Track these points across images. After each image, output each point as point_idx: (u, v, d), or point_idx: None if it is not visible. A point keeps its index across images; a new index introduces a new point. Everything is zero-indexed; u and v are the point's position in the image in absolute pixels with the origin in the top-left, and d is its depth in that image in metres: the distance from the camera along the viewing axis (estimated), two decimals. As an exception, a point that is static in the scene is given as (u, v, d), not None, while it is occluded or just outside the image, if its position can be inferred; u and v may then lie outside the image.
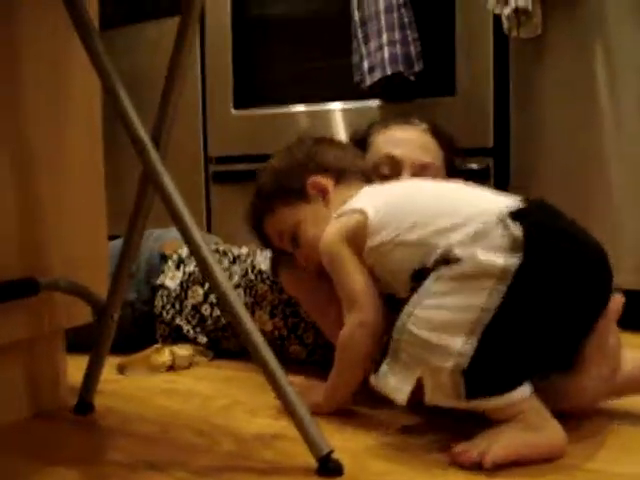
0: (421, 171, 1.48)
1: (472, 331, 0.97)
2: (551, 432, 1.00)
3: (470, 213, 1.06)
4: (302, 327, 1.52)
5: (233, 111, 2.47)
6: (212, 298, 1.62)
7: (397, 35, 2.00)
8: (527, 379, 1.00)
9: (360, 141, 1.57)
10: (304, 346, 1.54)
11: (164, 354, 1.52)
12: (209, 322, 1.62)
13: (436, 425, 1.14)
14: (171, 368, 1.52)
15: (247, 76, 2.46)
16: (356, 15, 2.11)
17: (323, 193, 1.30)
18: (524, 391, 0.99)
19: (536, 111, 1.89)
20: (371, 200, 1.22)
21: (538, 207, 1.07)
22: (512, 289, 0.97)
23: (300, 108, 2.34)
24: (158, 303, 1.67)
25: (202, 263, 1.01)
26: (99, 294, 1.23)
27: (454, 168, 1.56)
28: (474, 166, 1.95)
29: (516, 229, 0.99)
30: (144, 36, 2.66)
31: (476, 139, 1.97)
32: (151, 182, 1.08)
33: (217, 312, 1.61)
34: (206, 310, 1.63)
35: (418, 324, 1.01)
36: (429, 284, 1.03)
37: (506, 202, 1.07)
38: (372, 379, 1.07)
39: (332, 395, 1.20)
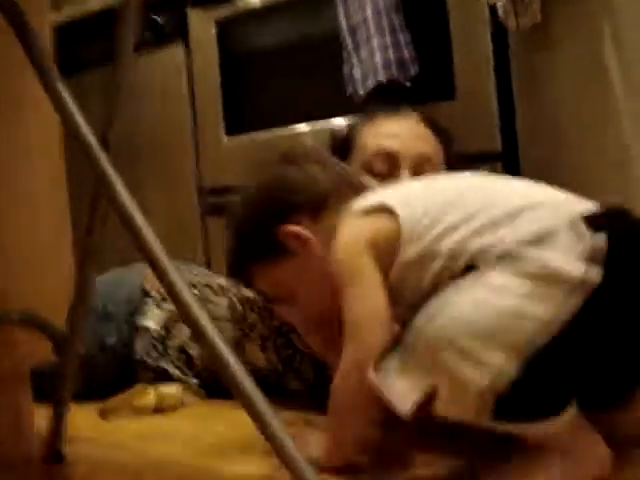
0: (422, 165, 1.32)
1: (521, 347, 0.79)
2: (594, 461, 0.83)
3: (524, 206, 0.88)
4: (298, 359, 1.37)
5: (225, 138, 2.36)
6: None
7: (389, 39, 1.89)
8: (575, 397, 0.83)
9: (342, 145, 1.42)
10: (302, 380, 1.38)
11: (149, 395, 1.38)
12: (198, 362, 1.47)
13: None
14: (158, 410, 1.38)
15: (237, 102, 2.37)
16: (344, 25, 2.00)
17: (301, 243, 1.03)
18: (568, 414, 0.81)
19: (544, 107, 1.75)
20: (395, 194, 0.99)
21: (618, 214, 0.90)
22: (590, 305, 0.79)
23: (297, 128, 2.23)
24: (139, 347, 1.52)
25: (169, 289, 0.86)
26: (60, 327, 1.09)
27: (453, 166, 1.41)
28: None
29: (598, 238, 0.82)
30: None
31: (482, 143, 1.82)
32: (103, 191, 0.95)
33: None
34: (194, 349, 1.48)
35: (454, 324, 0.81)
36: (476, 277, 0.84)
37: (574, 202, 0.90)
38: (371, 375, 0.86)
39: (335, 452, 0.96)
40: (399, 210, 0.94)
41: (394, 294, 0.93)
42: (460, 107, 1.86)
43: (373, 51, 1.89)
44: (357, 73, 1.92)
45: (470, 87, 1.85)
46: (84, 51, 2.69)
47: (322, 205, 1.04)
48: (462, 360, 0.80)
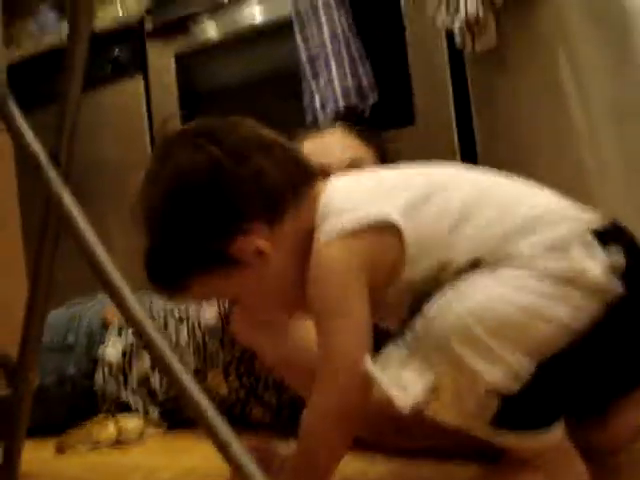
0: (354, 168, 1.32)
1: (538, 349, 0.75)
2: (573, 477, 0.80)
3: (532, 216, 0.81)
4: (261, 386, 1.34)
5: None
6: None
7: (347, 68, 1.90)
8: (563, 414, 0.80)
9: None
10: (267, 408, 1.35)
11: (109, 427, 1.33)
12: (160, 392, 1.43)
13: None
14: (118, 442, 1.33)
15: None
16: (303, 55, 2.00)
17: (257, 256, 0.85)
18: (559, 428, 0.78)
19: (503, 130, 1.76)
20: (389, 201, 0.83)
21: (623, 229, 0.83)
22: (610, 317, 0.76)
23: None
24: (99, 378, 1.48)
25: (130, 319, 0.83)
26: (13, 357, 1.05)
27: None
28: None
29: (614, 253, 0.77)
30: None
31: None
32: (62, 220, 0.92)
33: None
34: (155, 379, 1.44)
35: (471, 314, 0.74)
36: (490, 272, 0.77)
37: (577, 212, 0.83)
38: (368, 365, 0.77)
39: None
40: (402, 223, 0.81)
41: (391, 301, 0.85)
42: (420, 132, 1.87)
43: (332, 79, 1.89)
44: (316, 101, 1.92)
45: (429, 112, 1.86)
46: (37, 89, 2.67)
47: (278, 205, 0.85)
48: (475, 352, 0.73)
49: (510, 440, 0.77)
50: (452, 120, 1.82)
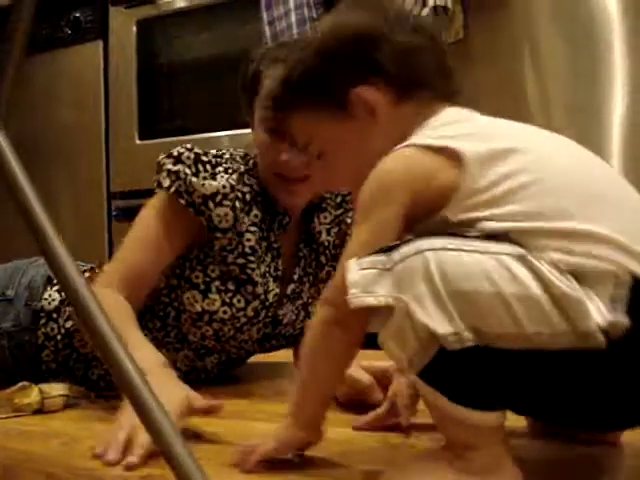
0: None
1: (493, 336, 0.72)
2: None
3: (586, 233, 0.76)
4: None
5: (138, 142, 2.29)
6: None
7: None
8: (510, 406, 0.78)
9: (249, 87, 1.36)
10: None
11: (31, 394, 1.27)
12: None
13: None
14: (40, 411, 1.28)
15: (152, 106, 2.30)
16: (267, 31, 1.99)
17: (370, 112, 0.89)
18: (492, 420, 0.76)
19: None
20: (473, 143, 0.81)
21: None
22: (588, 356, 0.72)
23: (213, 136, 2.17)
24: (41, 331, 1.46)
25: (65, 284, 0.77)
26: None
27: None
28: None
29: (621, 312, 0.72)
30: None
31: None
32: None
33: None
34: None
35: (453, 271, 0.73)
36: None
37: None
38: (351, 264, 0.78)
39: (296, 418, 0.88)
40: (471, 163, 0.79)
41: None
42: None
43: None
44: (277, 79, 1.89)
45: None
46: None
47: (413, 86, 0.89)
48: (437, 300, 0.73)
49: (430, 397, 0.76)
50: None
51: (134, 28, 2.32)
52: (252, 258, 1.36)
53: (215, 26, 2.23)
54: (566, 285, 0.71)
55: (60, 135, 2.44)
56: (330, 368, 0.86)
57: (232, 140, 2.13)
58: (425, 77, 0.90)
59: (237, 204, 1.32)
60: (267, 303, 1.40)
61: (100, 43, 2.38)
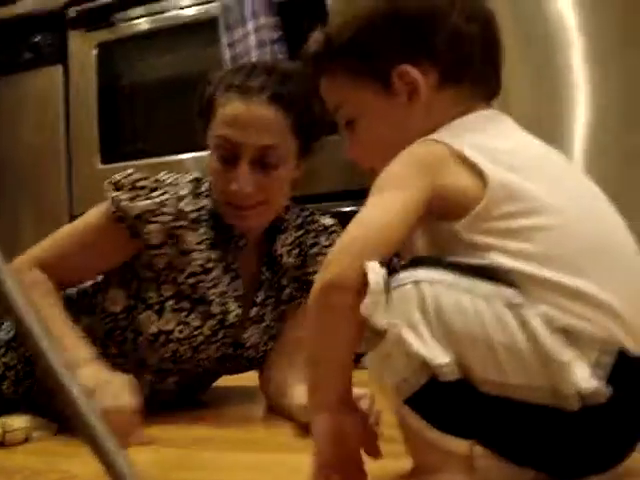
0: (265, 156, 1.29)
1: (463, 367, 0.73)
2: None
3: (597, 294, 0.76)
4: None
5: (100, 166, 2.26)
6: None
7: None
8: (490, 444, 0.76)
9: (204, 110, 1.35)
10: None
11: (-8, 427, 1.25)
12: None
13: None
14: (2, 444, 1.25)
15: (114, 129, 2.28)
16: (227, 53, 1.98)
17: (411, 92, 0.87)
18: (468, 446, 0.75)
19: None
20: (500, 169, 0.80)
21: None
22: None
23: (175, 158, 2.16)
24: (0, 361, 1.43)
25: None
26: None
27: (308, 153, 1.37)
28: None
29: (602, 382, 0.73)
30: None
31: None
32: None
33: None
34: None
35: (439, 302, 0.73)
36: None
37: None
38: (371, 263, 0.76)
39: (311, 402, 0.83)
40: (489, 172, 0.78)
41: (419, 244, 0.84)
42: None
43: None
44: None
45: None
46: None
47: (460, 72, 0.87)
48: (431, 330, 0.73)
49: (412, 421, 0.76)
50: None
51: (94, 51, 2.30)
52: (203, 277, 1.36)
53: (177, 48, 2.22)
54: (553, 345, 0.72)
55: (23, 159, 2.42)
56: (338, 333, 0.79)
57: (197, 161, 2.11)
58: (471, 69, 0.88)
59: (171, 222, 1.32)
60: (227, 323, 1.39)
61: (60, 67, 2.36)
